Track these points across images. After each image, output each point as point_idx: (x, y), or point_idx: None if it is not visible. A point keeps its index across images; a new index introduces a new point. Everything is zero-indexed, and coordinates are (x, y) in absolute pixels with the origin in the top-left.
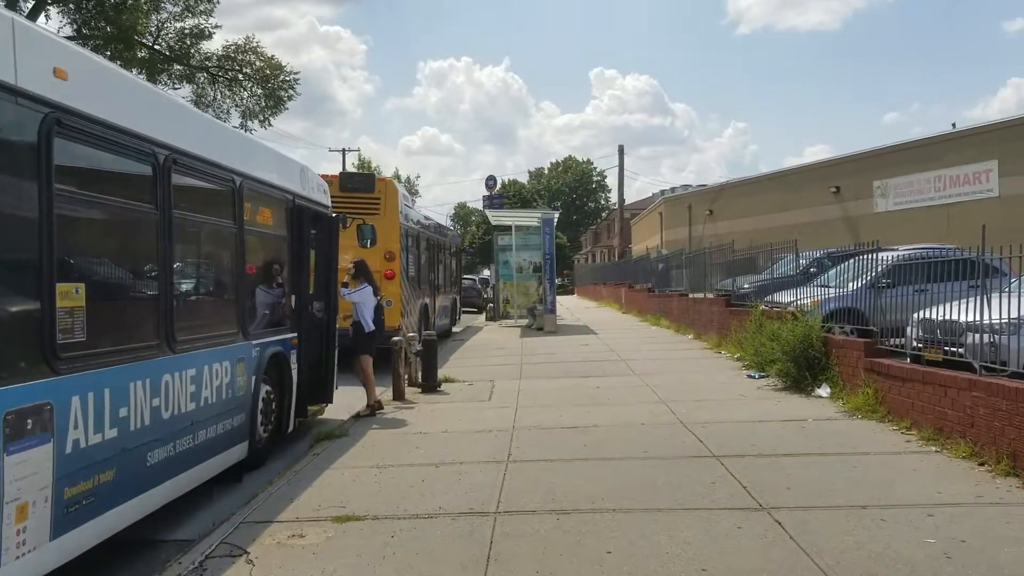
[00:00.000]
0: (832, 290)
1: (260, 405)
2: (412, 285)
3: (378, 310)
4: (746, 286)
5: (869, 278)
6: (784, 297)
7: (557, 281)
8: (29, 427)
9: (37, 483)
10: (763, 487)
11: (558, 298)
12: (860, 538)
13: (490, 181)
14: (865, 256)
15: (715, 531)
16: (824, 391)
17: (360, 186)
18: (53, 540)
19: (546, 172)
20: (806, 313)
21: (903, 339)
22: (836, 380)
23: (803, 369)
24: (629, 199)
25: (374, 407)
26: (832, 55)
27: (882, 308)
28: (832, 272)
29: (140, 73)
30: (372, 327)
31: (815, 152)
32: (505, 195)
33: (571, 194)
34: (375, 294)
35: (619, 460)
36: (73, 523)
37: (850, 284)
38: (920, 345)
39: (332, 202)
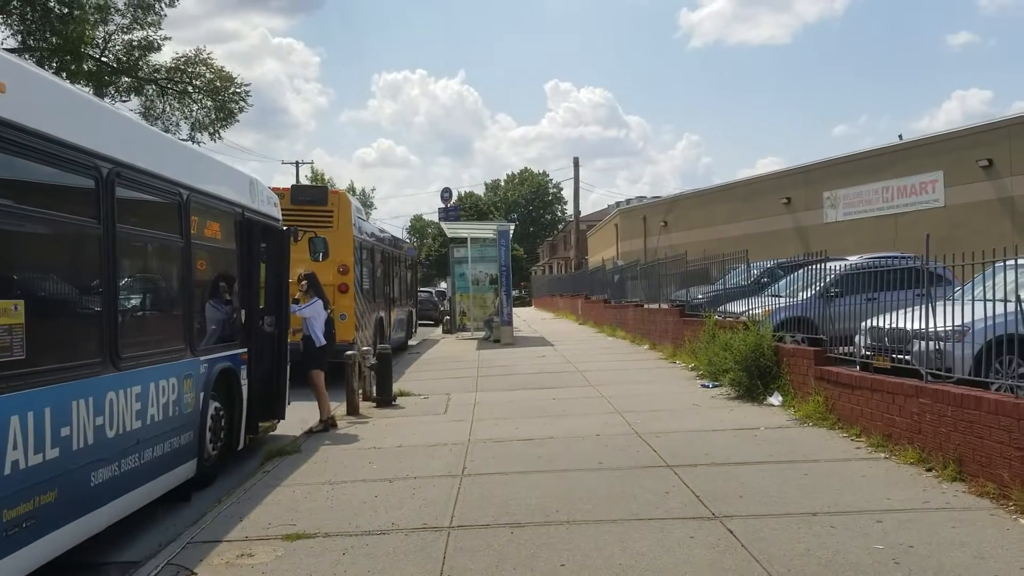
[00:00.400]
0: (783, 300)
1: (209, 422)
2: (367, 298)
3: (329, 324)
4: (700, 297)
5: (819, 287)
6: (736, 307)
7: (514, 293)
8: None
9: None
10: (716, 496)
11: (515, 310)
12: (810, 545)
13: (446, 193)
14: (815, 266)
15: (668, 541)
16: (776, 399)
17: (313, 199)
18: None
19: (502, 184)
20: (758, 323)
21: (852, 347)
22: (787, 388)
23: (755, 378)
24: (585, 211)
25: (327, 423)
26: (783, 68)
27: (831, 317)
28: (783, 282)
29: (87, 86)
30: (323, 341)
31: (767, 164)
32: (461, 207)
33: (527, 206)
34: (326, 308)
35: (574, 472)
36: (12, 547)
37: (800, 294)
38: (869, 353)
39: (284, 215)
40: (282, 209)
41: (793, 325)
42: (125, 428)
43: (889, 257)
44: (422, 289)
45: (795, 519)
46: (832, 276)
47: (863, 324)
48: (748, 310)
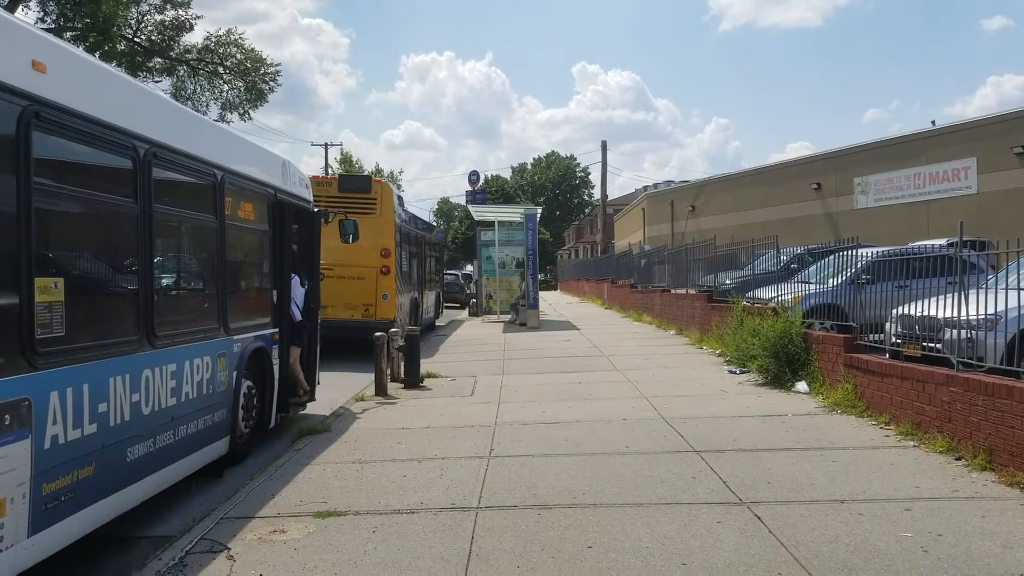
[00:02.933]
0: (812, 286)
1: (241, 400)
2: (404, 280)
3: (310, 297)
4: (728, 282)
5: (849, 274)
6: (765, 293)
7: (540, 277)
8: (7, 422)
9: (15, 479)
10: (743, 482)
11: (541, 294)
12: (838, 532)
13: (473, 176)
14: (845, 252)
15: (695, 525)
16: (803, 387)
17: (357, 187)
18: (31, 537)
19: (529, 167)
20: (787, 309)
21: (882, 335)
22: (816, 375)
23: (783, 365)
24: (612, 195)
25: (304, 397)
26: (814, 52)
27: (862, 304)
28: (813, 268)
29: (120, 66)
30: (300, 317)
31: (797, 148)
32: (488, 190)
33: (554, 190)
34: (302, 284)
35: (600, 455)
36: (52, 519)
37: (830, 280)
38: (899, 341)
39: (332, 202)
40: (330, 196)
41: (823, 312)
42: (160, 405)
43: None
44: (448, 272)
45: (823, 506)
46: (863, 263)
47: (893, 312)
48: (777, 296)
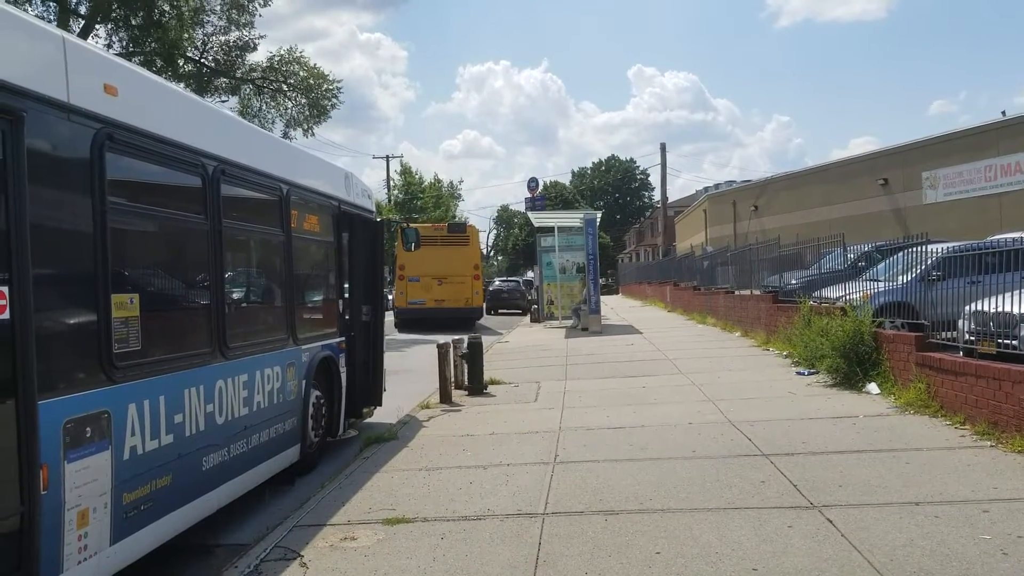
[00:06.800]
0: (882, 284)
1: (311, 409)
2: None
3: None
4: (793, 282)
5: (919, 271)
6: (833, 292)
7: (601, 281)
8: (88, 435)
9: (96, 489)
10: (814, 485)
11: (602, 298)
12: (913, 535)
13: (532, 183)
14: (915, 249)
15: (765, 530)
16: (874, 387)
17: (458, 229)
18: (113, 545)
19: (588, 172)
20: (856, 308)
21: (955, 332)
22: (887, 375)
23: (853, 365)
24: (672, 196)
25: None
26: (876, 45)
27: (933, 301)
28: (881, 266)
29: (187, 87)
30: None
31: (861, 144)
32: (547, 196)
33: (614, 193)
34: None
35: (666, 460)
36: (132, 528)
37: (900, 278)
38: (973, 338)
39: (442, 240)
40: (443, 235)
41: (892, 310)
42: (234, 415)
43: None
44: (510, 279)
45: (897, 508)
46: (933, 259)
47: (966, 308)
48: (845, 295)
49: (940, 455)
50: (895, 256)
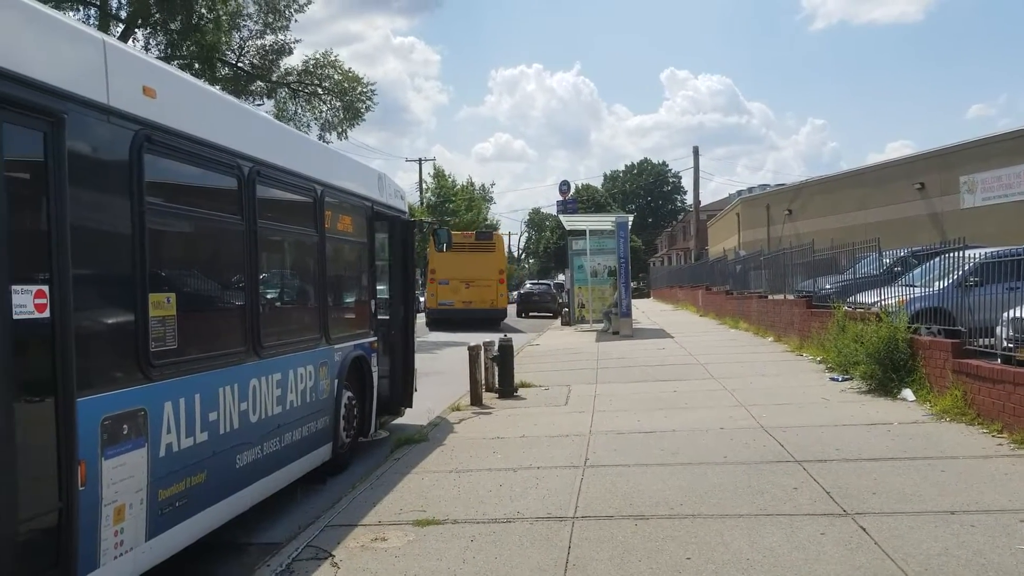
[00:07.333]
0: (918, 289)
1: (343, 409)
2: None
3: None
4: (828, 287)
5: (956, 276)
6: (868, 297)
7: (632, 284)
8: (124, 432)
9: (132, 486)
10: (847, 492)
11: (634, 301)
12: (948, 544)
13: (563, 186)
14: (952, 254)
15: (798, 537)
16: (909, 394)
17: (485, 237)
18: (148, 541)
19: (620, 175)
20: (891, 313)
21: (993, 339)
22: (923, 382)
23: (888, 371)
24: (705, 200)
25: None
26: (913, 47)
27: (970, 307)
28: (918, 271)
29: (224, 91)
30: None
31: (897, 148)
32: (579, 200)
33: (646, 197)
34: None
35: (697, 465)
36: (167, 524)
37: (936, 283)
38: (1011, 345)
39: (470, 246)
40: (471, 241)
41: (929, 316)
42: (267, 413)
43: None
44: (540, 281)
45: (932, 517)
46: (971, 264)
47: (1005, 315)
48: (880, 300)
49: (977, 463)
50: (931, 261)
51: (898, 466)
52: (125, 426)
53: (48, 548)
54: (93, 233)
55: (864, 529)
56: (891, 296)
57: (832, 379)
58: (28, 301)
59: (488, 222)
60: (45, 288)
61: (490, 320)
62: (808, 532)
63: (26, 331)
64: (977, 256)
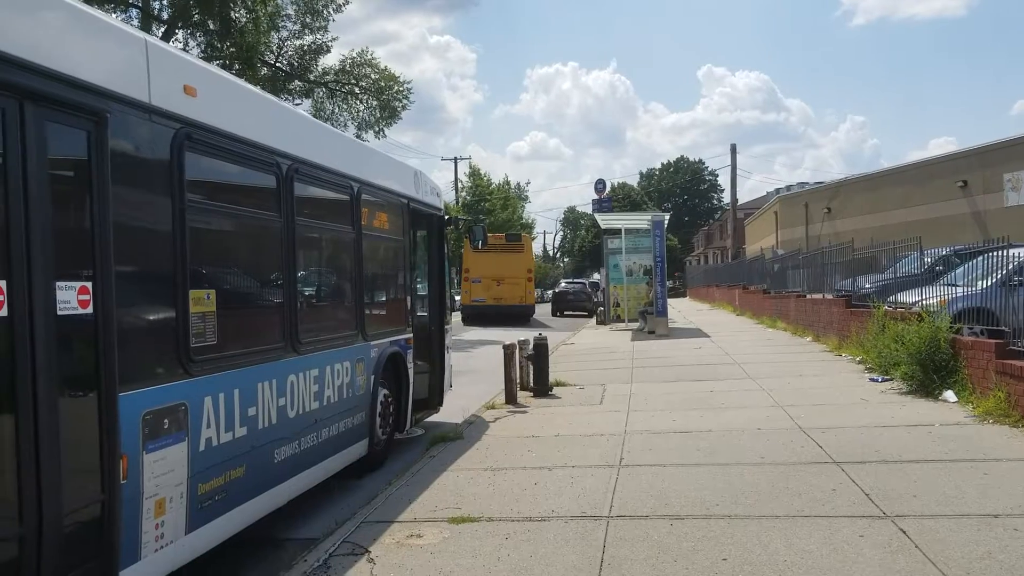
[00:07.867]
0: (960, 289)
1: (379, 405)
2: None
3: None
4: (868, 286)
5: (1000, 276)
6: (909, 297)
7: (668, 283)
8: (165, 427)
9: (173, 480)
10: (887, 494)
11: (669, 301)
12: (991, 548)
13: (599, 185)
14: (995, 253)
15: (836, 539)
16: (951, 395)
17: (514, 239)
18: (188, 534)
19: (657, 173)
20: (932, 313)
21: None
22: (965, 383)
23: (929, 372)
24: (742, 198)
25: None
26: (955, 43)
27: (1014, 307)
28: (960, 270)
29: (263, 90)
30: None
31: (940, 145)
32: (614, 198)
33: (682, 195)
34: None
35: (734, 465)
36: (207, 518)
37: (979, 283)
38: None
39: (501, 247)
40: (500, 244)
41: (971, 316)
42: (305, 408)
43: None
44: (575, 280)
45: (974, 520)
46: (1015, 263)
47: None
48: (921, 300)
49: (1021, 466)
50: (974, 260)
51: (940, 468)
52: (166, 421)
53: (90, 540)
54: (135, 230)
55: (904, 532)
56: (933, 296)
57: (872, 380)
58: (72, 297)
59: (523, 221)
60: (88, 285)
61: (519, 315)
62: (847, 534)
63: (70, 327)
64: (1021, 255)
